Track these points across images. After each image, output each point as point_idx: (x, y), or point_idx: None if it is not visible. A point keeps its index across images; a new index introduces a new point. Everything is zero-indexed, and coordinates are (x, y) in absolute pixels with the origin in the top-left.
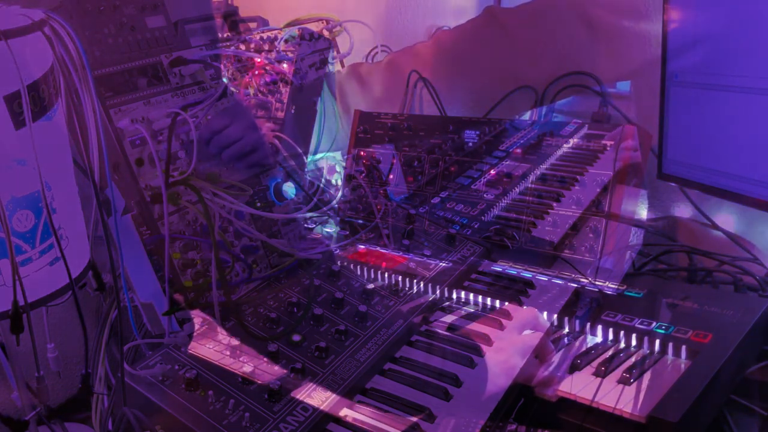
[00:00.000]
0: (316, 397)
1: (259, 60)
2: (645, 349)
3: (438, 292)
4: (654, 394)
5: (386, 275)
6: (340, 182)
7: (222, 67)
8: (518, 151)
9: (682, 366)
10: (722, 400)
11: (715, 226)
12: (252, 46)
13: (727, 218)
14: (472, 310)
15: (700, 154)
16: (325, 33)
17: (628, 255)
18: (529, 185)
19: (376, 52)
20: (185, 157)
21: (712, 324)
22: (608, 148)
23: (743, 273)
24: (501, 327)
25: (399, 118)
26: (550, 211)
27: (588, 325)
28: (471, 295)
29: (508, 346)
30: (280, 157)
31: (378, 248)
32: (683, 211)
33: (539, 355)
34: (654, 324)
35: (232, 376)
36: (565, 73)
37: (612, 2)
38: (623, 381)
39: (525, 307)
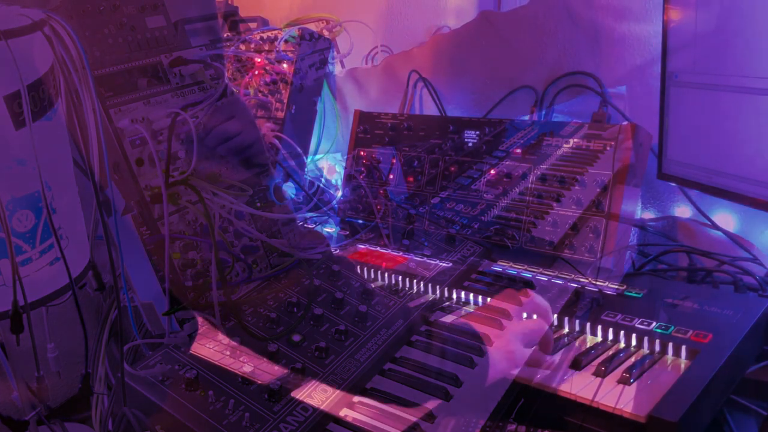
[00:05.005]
0: (316, 397)
1: (259, 60)
2: (645, 349)
3: (438, 292)
4: (654, 394)
5: (386, 275)
6: (340, 182)
7: (222, 67)
8: (518, 151)
9: (682, 366)
10: (722, 400)
11: (715, 226)
12: (252, 46)
13: (727, 218)
14: (472, 310)
15: (700, 154)
16: (325, 33)
17: (628, 255)
18: (529, 185)
19: (376, 53)
20: (185, 157)
21: (712, 324)
22: (608, 148)
23: (743, 273)
24: (501, 327)
25: (399, 118)
26: (550, 211)
27: (588, 325)
28: (471, 295)
29: (508, 346)
30: (280, 156)
31: (378, 248)
32: (683, 211)
33: (541, 344)
34: (654, 324)
35: (232, 376)
36: (563, 73)
37: (605, 4)
38: (623, 381)
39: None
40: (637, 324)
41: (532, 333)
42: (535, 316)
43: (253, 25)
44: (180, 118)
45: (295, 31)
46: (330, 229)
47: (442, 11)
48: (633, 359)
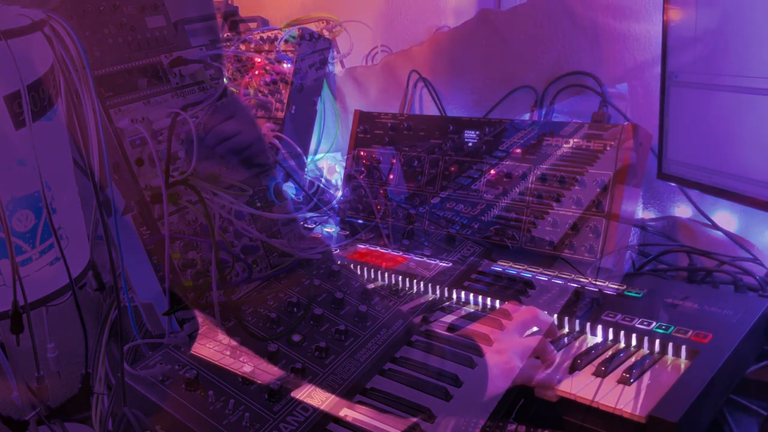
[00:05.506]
0: (316, 397)
1: (259, 60)
2: (645, 349)
3: (438, 292)
4: (654, 394)
5: (386, 275)
6: (340, 182)
7: (222, 67)
8: (518, 151)
9: (682, 366)
10: (722, 400)
11: (715, 226)
12: (252, 46)
13: (727, 218)
14: (472, 310)
15: (700, 154)
16: (325, 33)
17: (628, 255)
18: (529, 185)
19: (376, 52)
20: (185, 157)
21: (712, 324)
22: (608, 148)
23: (743, 273)
24: (501, 327)
25: (399, 118)
26: (550, 211)
27: (588, 325)
28: (471, 295)
29: (508, 346)
30: (280, 156)
31: (378, 248)
32: (683, 211)
33: (541, 357)
34: (654, 324)
35: (232, 376)
36: (563, 73)
37: (605, 4)
38: (623, 381)
39: (523, 306)
40: (637, 324)
41: (531, 347)
42: (535, 328)
43: (253, 25)
44: (180, 118)
45: (295, 31)
46: (330, 229)
47: (441, 11)
48: (633, 359)
